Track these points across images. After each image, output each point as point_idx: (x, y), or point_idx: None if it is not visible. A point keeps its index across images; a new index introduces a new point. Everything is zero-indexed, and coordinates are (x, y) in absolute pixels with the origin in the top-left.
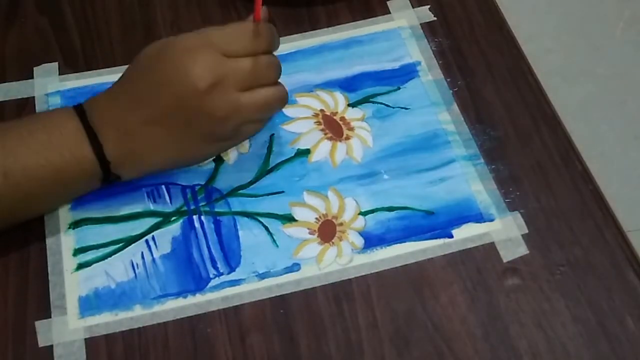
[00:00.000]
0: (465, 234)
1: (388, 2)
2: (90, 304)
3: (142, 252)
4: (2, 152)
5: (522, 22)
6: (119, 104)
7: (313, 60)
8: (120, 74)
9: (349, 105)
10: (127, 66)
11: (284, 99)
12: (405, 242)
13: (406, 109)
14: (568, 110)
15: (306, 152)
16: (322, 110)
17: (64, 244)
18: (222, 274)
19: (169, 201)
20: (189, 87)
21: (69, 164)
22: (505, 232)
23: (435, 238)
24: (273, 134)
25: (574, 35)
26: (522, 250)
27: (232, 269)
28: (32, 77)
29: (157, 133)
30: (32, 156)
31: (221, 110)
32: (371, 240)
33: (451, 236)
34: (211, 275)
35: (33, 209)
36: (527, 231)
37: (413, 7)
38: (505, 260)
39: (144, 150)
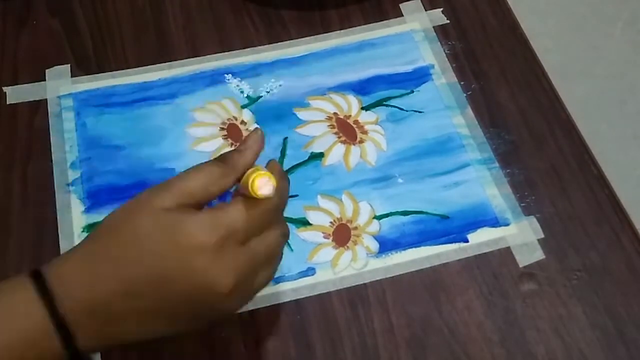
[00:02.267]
0: (481, 239)
1: (401, 5)
2: None
3: None
4: None
5: (521, 22)
6: (104, 287)
7: (326, 63)
8: (132, 76)
9: (362, 108)
10: (139, 68)
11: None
12: (420, 246)
13: (420, 112)
14: (567, 110)
15: (320, 156)
16: (335, 114)
17: None
18: None
19: None
20: (207, 291)
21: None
22: (521, 236)
23: (451, 242)
24: (287, 137)
25: (573, 35)
26: (539, 255)
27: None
28: (44, 80)
29: (149, 323)
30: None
31: (238, 304)
32: (386, 245)
33: (466, 240)
34: None
35: None
36: (543, 236)
37: (426, 10)
38: (521, 265)
39: (126, 335)
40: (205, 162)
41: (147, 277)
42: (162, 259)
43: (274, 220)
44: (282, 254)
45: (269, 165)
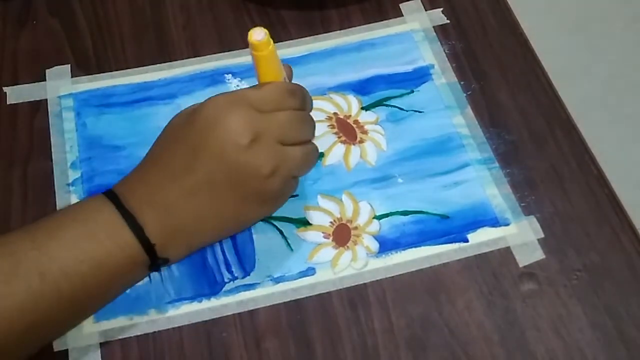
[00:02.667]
0: (481, 239)
1: (401, 5)
2: (105, 308)
3: None
4: (36, 250)
5: (521, 22)
6: (152, 180)
7: (326, 63)
8: (132, 76)
9: (362, 108)
10: (139, 68)
11: (317, 156)
12: (420, 246)
13: (420, 112)
14: (568, 110)
15: (320, 156)
16: (335, 114)
17: None
18: (236, 278)
19: None
20: (229, 146)
21: (109, 255)
22: (521, 236)
23: (451, 242)
24: None
25: (574, 35)
26: (539, 254)
27: (246, 273)
28: (44, 80)
29: (200, 203)
30: (68, 251)
31: (267, 165)
32: (386, 245)
33: (466, 240)
34: (226, 280)
35: (76, 312)
36: (543, 236)
37: (426, 10)
38: (521, 265)
39: (189, 225)
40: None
41: (181, 157)
42: (187, 137)
43: (290, 102)
44: (314, 145)
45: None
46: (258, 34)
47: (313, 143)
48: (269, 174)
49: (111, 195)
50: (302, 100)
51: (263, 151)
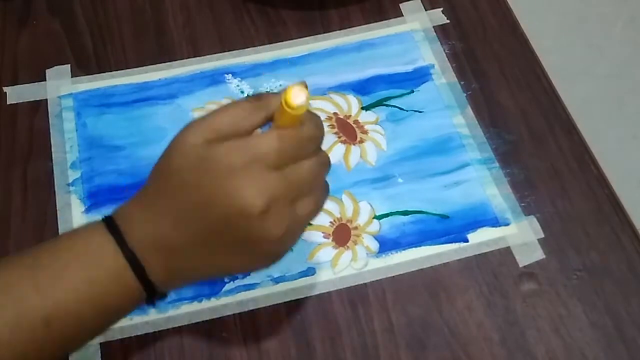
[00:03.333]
0: (481, 238)
1: (401, 5)
2: None
3: None
4: (39, 295)
5: (521, 22)
6: (159, 222)
7: (326, 63)
8: (132, 76)
9: (362, 108)
10: (139, 68)
11: (327, 165)
12: (420, 246)
13: (420, 112)
14: (568, 110)
15: None
16: (335, 114)
17: None
18: (236, 278)
19: None
20: (240, 213)
21: (112, 297)
22: (521, 236)
23: (451, 242)
24: None
25: (574, 35)
26: (539, 254)
27: (246, 273)
28: (44, 80)
29: (204, 253)
30: (72, 294)
31: (279, 230)
32: (386, 244)
33: (466, 240)
34: (226, 279)
35: (76, 347)
36: (543, 235)
37: (426, 10)
38: (521, 265)
39: (191, 269)
40: (239, 99)
41: (190, 206)
42: (198, 188)
43: (308, 150)
44: (325, 183)
45: None
46: (299, 97)
47: (325, 183)
48: (280, 237)
49: (113, 227)
50: (320, 141)
51: (276, 217)
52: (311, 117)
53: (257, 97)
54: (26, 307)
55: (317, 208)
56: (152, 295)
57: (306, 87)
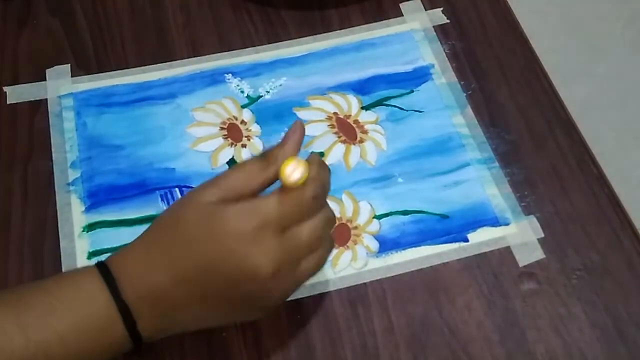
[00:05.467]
0: (481, 238)
1: (401, 5)
2: None
3: None
4: (23, 336)
5: (521, 22)
6: (159, 274)
7: (326, 62)
8: (132, 76)
9: (362, 108)
10: (139, 68)
11: (332, 222)
12: (420, 246)
13: (420, 112)
14: (568, 110)
15: (320, 155)
16: (335, 113)
17: (78, 247)
18: None
19: None
20: (250, 278)
21: (97, 345)
22: (521, 236)
23: (451, 242)
24: None
25: (573, 35)
26: (538, 254)
27: None
28: (44, 79)
29: (202, 309)
30: (58, 341)
31: (284, 289)
32: (386, 244)
33: (466, 240)
34: None
35: None
36: (542, 235)
37: (426, 10)
38: (521, 265)
39: (184, 322)
40: (248, 159)
41: (194, 264)
42: (205, 247)
43: (312, 209)
44: (329, 240)
45: (310, 157)
46: (293, 175)
47: (330, 237)
48: (284, 296)
49: (108, 277)
50: (324, 199)
51: (284, 278)
52: (316, 174)
53: (265, 155)
54: (9, 346)
55: (321, 263)
56: (138, 346)
57: (303, 132)
